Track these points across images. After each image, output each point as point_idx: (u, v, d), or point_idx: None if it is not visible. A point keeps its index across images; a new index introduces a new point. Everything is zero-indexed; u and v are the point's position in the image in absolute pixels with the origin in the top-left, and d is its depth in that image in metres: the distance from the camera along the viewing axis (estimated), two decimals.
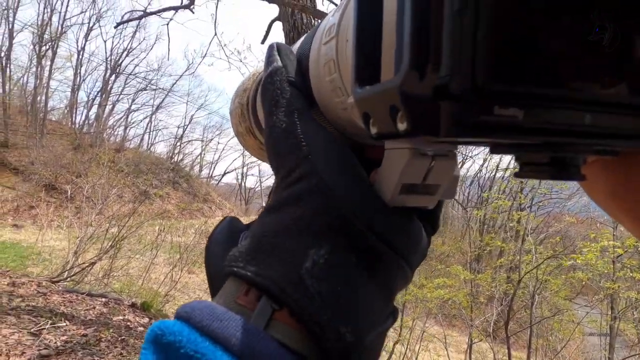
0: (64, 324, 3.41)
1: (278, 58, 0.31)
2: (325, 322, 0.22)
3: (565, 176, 0.20)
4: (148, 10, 4.95)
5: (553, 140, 0.18)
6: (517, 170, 0.22)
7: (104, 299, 4.39)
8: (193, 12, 4.27)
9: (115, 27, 4.66)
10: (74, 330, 3.33)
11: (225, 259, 0.26)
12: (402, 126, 0.17)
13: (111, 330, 3.51)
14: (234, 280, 0.25)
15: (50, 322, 3.33)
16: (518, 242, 6.07)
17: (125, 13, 9.39)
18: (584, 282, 6.76)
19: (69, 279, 5.14)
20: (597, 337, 7.22)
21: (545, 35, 0.16)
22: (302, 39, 0.33)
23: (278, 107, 0.29)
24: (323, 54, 0.28)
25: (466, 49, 0.15)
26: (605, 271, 4.99)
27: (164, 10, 4.40)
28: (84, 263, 5.44)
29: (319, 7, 3.18)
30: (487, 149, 0.21)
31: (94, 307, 4.06)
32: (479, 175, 13.35)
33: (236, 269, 0.25)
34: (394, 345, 5.89)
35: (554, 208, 9.62)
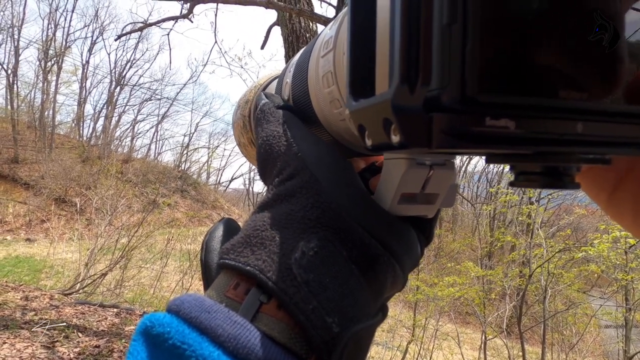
0: (77, 336, 3.44)
1: (265, 97, 0.33)
2: (310, 312, 0.22)
3: (558, 185, 0.21)
4: (148, 22, 5.00)
5: (545, 150, 0.18)
6: (512, 179, 0.22)
7: (115, 310, 4.42)
8: (192, 22, 4.31)
9: (115, 40, 4.72)
10: (86, 341, 3.36)
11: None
12: (395, 138, 0.18)
13: (123, 341, 3.53)
14: (225, 273, 0.26)
15: (63, 334, 3.37)
16: (529, 236, 6.00)
17: (126, 25, 9.50)
18: (597, 275, 6.67)
19: (81, 291, 5.19)
20: (613, 329, 7.12)
21: (536, 45, 0.16)
22: (301, 51, 0.34)
23: (269, 123, 0.31)
24: (321, 67, 0.28)
25: (455, 62, 0.15)
26: (618, 262, 4.91)
27: (163, 20, 4.44)
28: (95, 274, 5.49)
29: (317, 10, 3.19)
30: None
31: (106, 318, 4.09)
32: (486, 170, 13.24)
33: (227, 260, 0.25)
34: (408, 344, 5.85)
35: (565, 200, 9.50)
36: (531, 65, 0.16)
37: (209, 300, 0.24)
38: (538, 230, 5.81)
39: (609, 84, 0.17)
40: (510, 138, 0.17)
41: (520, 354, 5.04)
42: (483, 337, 5.55)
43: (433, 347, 6.11)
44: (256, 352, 0.21)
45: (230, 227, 0.33)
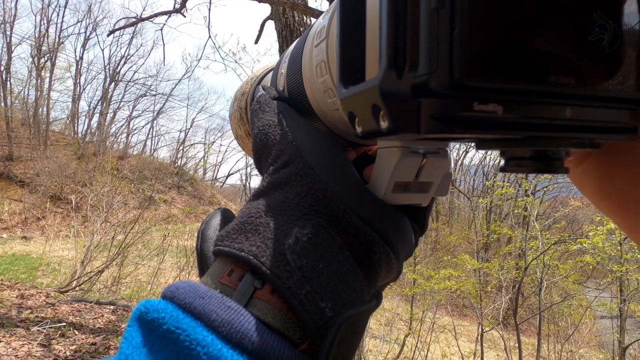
0: (73, 333, 3.44)
1: (261, 89, 0.34)
2: (303, 296, 0.23)
3: (548, 170, 0.21)
4: (141, 17, 4.95)
5: (534, 135, 0.18)
6: (502, 165, 0.22)
7: (112, 307, 4.42)
8: (185, 16, 4.27)
9: (108, 35, 4.68)
10: (82, 339, 3.37)
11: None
12: (384, 124, 0.17)
13: (120, 338, 3.53)
14: (220, 260, 0.26)
15: (59, 332, 3.37)
16: (525, 228, 6.02)
17: (118, 20, 9.41)
18: (592, 266, 6.72)
19: (77, 289, 5.18)
20: (608, 320, 7.19)
21: (525, 29, 0.16)
22: (295, 42, 0.34)
23: (265, 113, 0.31)
24: (315, 56, 0.28)
25: (443, 46, 0.15)
26: (613, 254, 4.94)
27: (156, 15, 4.39)
28: (91, 272, 5.48)
29: (310, 3, 3.17)
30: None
31: (103, 315, 4.09)
32: (483, 163, 13.27)
33: (222, 247, 0.26)
34: (405, 337, 5.89)
35: (560, 192, 9.54)
36: (520, 49, 0.16)
37: (204, 286, 0.24)
38: (534, 222, 5.83)
39: (601, 70, 0.17)
40: (498, 122, 0.17)
41: (517, 345, 5.08)
42: (480, 329, 5.59)
43: (430, 340, 6.16)
44: (249, 337, 0.21)
45: (226, 216, 0.33)
